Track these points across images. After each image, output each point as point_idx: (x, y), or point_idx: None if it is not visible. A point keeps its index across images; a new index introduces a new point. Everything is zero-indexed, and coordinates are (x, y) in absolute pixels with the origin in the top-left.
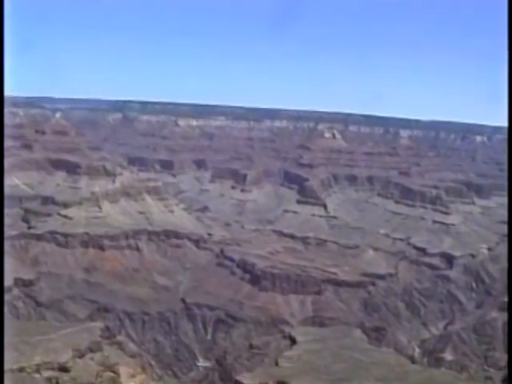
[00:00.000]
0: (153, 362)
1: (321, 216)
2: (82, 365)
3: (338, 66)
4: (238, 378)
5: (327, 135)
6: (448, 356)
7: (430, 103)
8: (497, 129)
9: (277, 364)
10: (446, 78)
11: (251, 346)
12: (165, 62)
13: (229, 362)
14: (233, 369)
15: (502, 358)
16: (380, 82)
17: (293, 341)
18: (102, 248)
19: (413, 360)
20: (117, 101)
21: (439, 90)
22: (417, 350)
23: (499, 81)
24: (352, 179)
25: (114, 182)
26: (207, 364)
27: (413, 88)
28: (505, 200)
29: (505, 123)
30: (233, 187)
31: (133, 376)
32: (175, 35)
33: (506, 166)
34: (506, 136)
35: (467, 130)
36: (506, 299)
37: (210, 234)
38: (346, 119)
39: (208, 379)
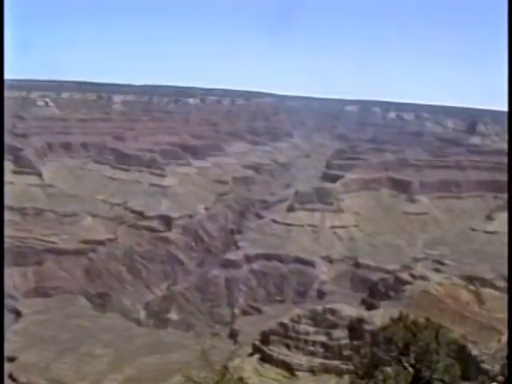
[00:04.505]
0: None
1: (37, 185)
2: None
3: (50, 33)
4: None
5: (40, 103)
6: (174, 316)
7: (142, 68)
8: (209, 91)
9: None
10: (156, 45)
11: None
12: None
13: None
14: None
15: (226, 313)
16: (94, 49)
17: (18, 314)
18: None
19: (139, 323)
20: None
21: (149, 56)
22: (142, 312)
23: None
24: (67, 147)
25: None
26: None
27: (127, 54)
28: (220, 160)
29: (218, 85)
30: None
31: None
32: None
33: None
34: (220, 98)
35: (180, 93)
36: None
37: None
38: (58, 86)
39: None
